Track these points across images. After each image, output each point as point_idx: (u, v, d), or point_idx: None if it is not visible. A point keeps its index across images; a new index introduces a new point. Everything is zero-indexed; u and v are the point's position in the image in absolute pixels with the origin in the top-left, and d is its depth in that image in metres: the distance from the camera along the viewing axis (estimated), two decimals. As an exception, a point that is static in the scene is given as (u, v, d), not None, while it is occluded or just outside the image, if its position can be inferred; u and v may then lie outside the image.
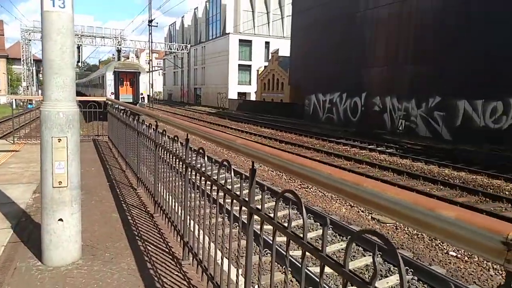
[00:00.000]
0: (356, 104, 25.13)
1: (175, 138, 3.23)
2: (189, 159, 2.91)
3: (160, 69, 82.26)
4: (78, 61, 39.43)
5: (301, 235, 1.47)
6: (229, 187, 2.15)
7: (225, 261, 2.37)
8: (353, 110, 25.40)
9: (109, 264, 3.14)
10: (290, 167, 1.50)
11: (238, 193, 2.09)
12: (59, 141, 2.89)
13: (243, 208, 1.98)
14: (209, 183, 2.46)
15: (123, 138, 6.46)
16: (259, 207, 1.83)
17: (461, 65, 18.06)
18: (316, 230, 6.88)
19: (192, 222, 2.93)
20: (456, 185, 10.22)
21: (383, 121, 22.86)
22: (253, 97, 47.31)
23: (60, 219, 3.04)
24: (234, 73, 48.25)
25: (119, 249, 3.44)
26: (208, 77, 53.94)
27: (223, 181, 2.24)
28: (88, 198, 4.86)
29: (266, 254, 5.20)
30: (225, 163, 2.20)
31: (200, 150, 2.59)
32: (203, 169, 2.57)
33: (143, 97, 25.46)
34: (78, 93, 54.79)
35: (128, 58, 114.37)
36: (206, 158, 2.53)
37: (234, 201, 2.10)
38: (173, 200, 3.42)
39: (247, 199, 1.94)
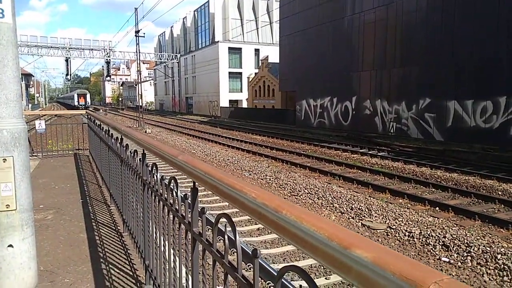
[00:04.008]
0: (347, 108, 25.05)
1: (135, 153, 3.03)
2: (147, 176, 2.70)
3: (151, 79, 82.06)
4: (67, 74, 39.36)
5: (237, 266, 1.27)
6: (177, 207, 1.95)
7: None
8: (344, 114, 25.30)
9: (66, 292, 2.92)
10: (222, 188, 1.30)
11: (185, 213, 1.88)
12: (4, 161, 2.67)
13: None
14: (162, 202, 2.25)
15: (99, 151, 6.24)
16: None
17: (449, 66, 18.07)
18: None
19: (152, 243, 2.72)
20: (448, 187, 10.03)
21: (374, 124, 22.77)
22: (244, 104, 47.13)
23: (10, 245, 2.81)
24: (224, 81, 48.08)
25: (80, 274, 3.21)
26: (199, 86, 53.73)
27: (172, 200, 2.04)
28: (57, 218, 4.62)
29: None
30: (172, 181, 2.00)
31: (154, 166, 2.39)
32: (157, 186, 2.37)
33: (88, 102, 62.07)
34: (63, 104, 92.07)
35: (118, 69, 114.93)
36: (158, 174, 2.33)
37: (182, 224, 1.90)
38: (136, 219, 3.21)
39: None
